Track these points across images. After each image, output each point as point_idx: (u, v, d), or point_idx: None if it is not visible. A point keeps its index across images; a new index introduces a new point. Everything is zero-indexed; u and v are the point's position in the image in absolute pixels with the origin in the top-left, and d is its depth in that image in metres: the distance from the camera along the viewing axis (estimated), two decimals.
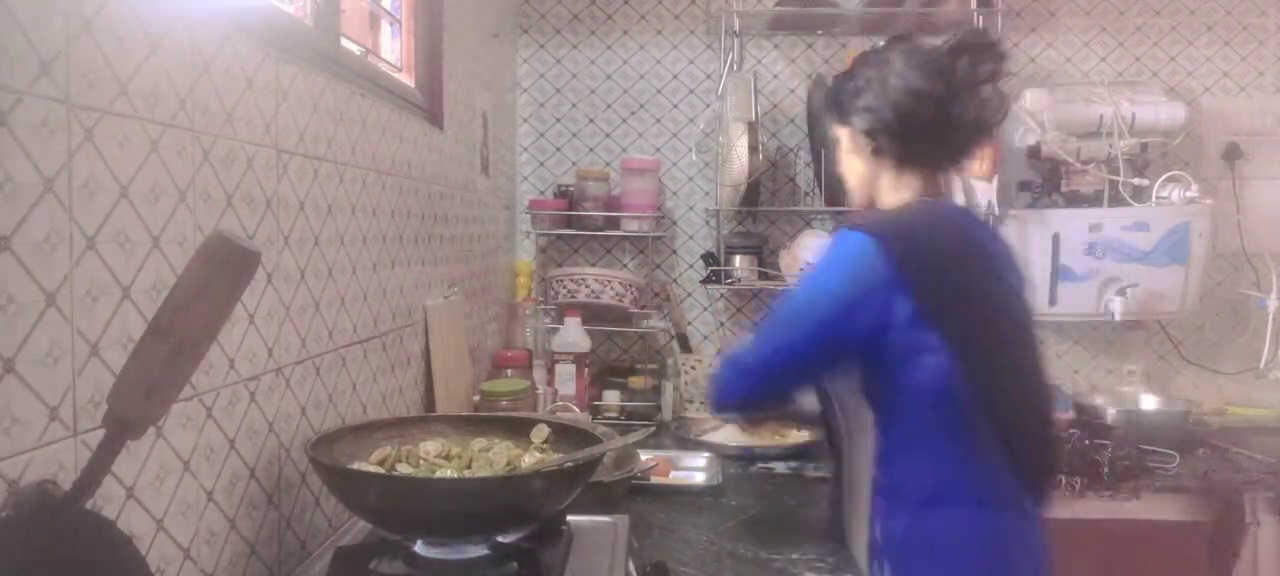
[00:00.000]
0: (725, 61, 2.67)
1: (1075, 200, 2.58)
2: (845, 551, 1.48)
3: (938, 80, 1.38)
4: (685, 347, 2.71)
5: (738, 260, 2.66)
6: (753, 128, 2.51)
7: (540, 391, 2.30)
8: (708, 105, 2.82)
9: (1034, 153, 2.57)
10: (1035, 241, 2.56)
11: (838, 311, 1.30)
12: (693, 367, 2.63)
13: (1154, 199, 2.52)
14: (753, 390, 1.36)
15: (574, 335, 2.38)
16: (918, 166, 1.43)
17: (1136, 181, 2.53)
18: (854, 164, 1.48)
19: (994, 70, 1.40)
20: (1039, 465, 1.36)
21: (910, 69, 1.39)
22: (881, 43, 1.50)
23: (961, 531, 1.29)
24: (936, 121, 1.39)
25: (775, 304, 1.47)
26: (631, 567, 1.20)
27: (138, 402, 0.68)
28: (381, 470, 1.13)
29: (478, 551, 1.09)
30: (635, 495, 1.71)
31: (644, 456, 1.87)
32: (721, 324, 2.87)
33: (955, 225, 1.41)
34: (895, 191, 1.45)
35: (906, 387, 1.29)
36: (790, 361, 1.34)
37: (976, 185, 2.59)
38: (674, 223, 2.86)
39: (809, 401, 1.52)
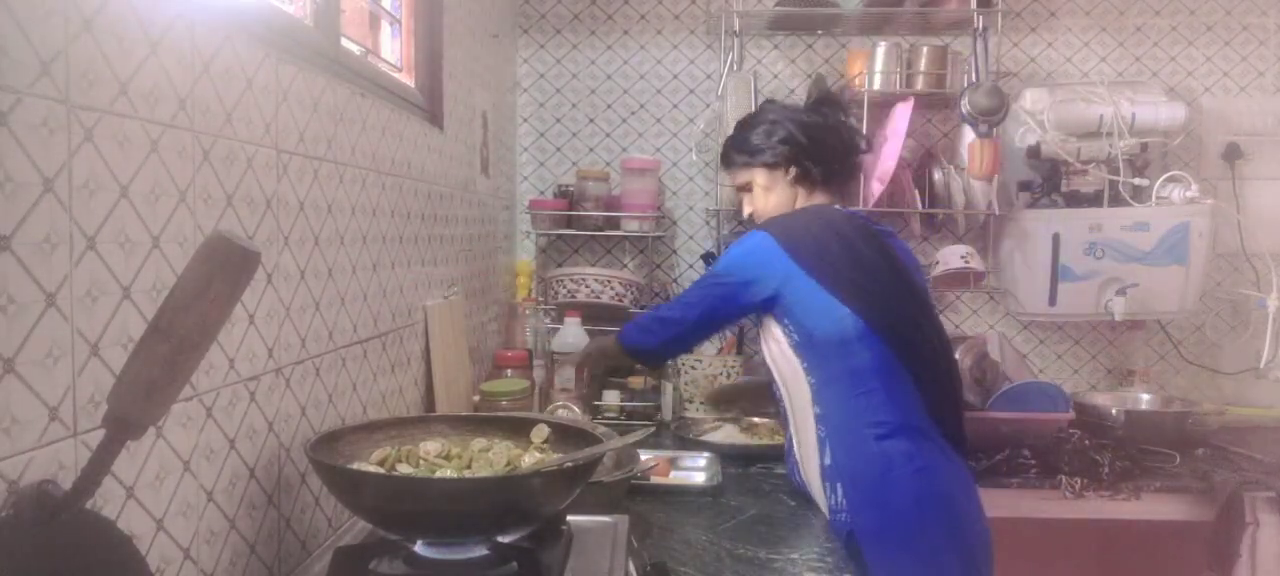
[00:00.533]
0: (725, 61, 2.67)
1: (1075, 200, 2.58)
2: (843, 551, 1.49)
3: (819, 115, 1.84)
4: None
5: None
6: None
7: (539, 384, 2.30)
8: (708, 105, 2.82)
9: (1034, 153, 2.57)
10: (1035, 241, 2.56)
11: (736, 284, 1.70)
12: (693, 368, 2.62)
13: (1154, 199, 2.52)
14: (663, 338, 1.79)
15: (574, 335, 2.38)
16: (824, 187, 1.83)
17: (1136, 181, 2.53)
18: (771, 198, 1.83)
19: (844, 113, 1.90)
20: (948, 399, 1.68)
21: (799, 112, 1.85)
22: (765, 106, 1.94)
23: (893, 450, 1.58)
24: (830, 141, 1.81)
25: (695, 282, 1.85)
26: (631, 567, 1.20)
27: (138, 402, 0.68)
28: (381, 470, 1.12)
29: (478, 551, 1.09)
30: (635, 495, 1.71)
31: (644, 456, 1.87)
32: None
33: (839, 216, 1.75)
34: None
35: (818, 338, 1.62)
36: (699, 318, 1.75)
37: (976, 185, 2.59)
38: (674, 223, 2.86)
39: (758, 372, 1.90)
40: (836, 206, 1.82)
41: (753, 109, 2.54)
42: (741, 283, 1.69)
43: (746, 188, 1.87)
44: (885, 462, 1.57)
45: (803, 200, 1.82)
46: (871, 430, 1.59)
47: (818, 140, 1.80)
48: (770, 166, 1.81)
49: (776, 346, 1.70)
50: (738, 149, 1.87)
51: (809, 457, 1.67)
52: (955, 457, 1.65)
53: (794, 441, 1.73)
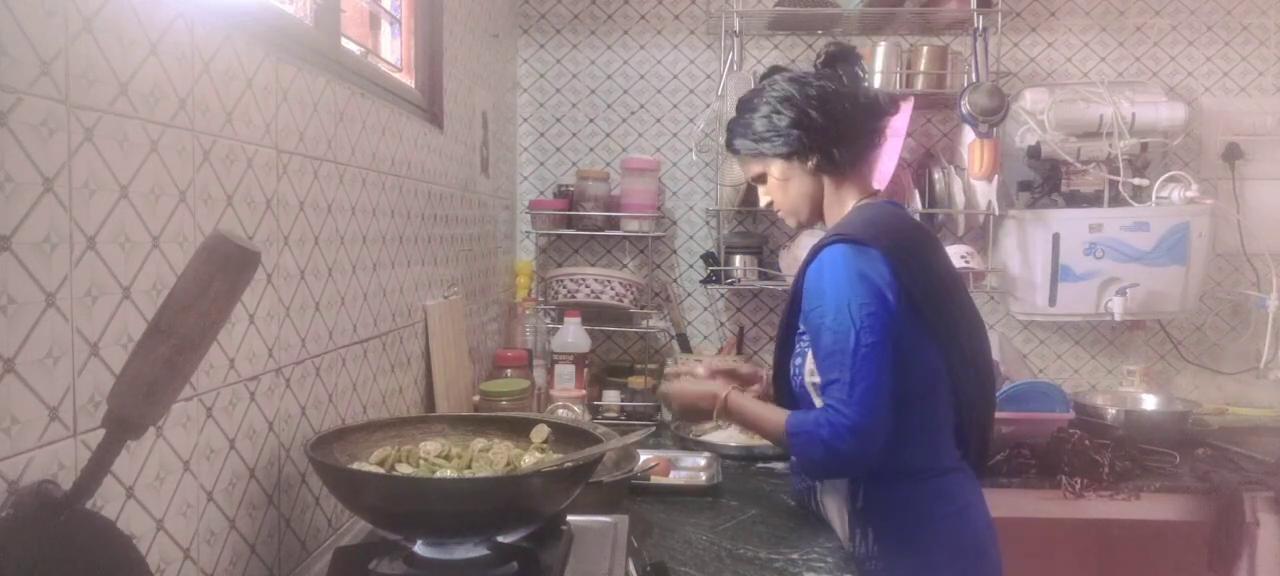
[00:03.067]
0: (725, 61, 2.67)
1: (1075, 200, 2.58)
2: (843, 551, 1.49)
3: (834, 82, 1.54)
4: (685, 347, 2.71)
5: (738, 260, 2.66)
6: None
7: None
8: (708, 105, 2.82)
9: (1034, 153, 2.57)
10: (1035, 241, 2.56)
11: (882, 327, 1.38)
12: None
13: (1154, 199, 2.52)
14: (872, 441, 1.37)
15: (574, 335, 2.38)
16: (851, 169, 1.56)
17: (1136, 181, 2.53)
18: (791, 190, 1.58)
19: (861, 72, 1.57)
20: (980, 439, 1.55)
21: (808, 84, 1.53)
22: (757, 83, 1.62)
23: (932, 492, 1.46)
24: (852, 114, 1.53)
25: (799, 349, 1.50)
26: (631, 567, 1.20)
27: (138, 402, 0.68)
28: (381, 470, 1.12)
29: (478, 551, 1.09)
30: (635, 495, 1.71)
31: (644, 456, 1.87)
32: (721, 323, 2.87)
33: (916, 225, 1.57)
34: (840, 200, 1.58)
35: (902, 382, 1.40)
36: (882, 395, 1.37)
37: (977, 185, 2.59)
38: (674, 223, 2.86)
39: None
40: (891, 204, 1.58)
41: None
42: (884, 320, 1.39)
43: (760, 178, 1.63)
44: (922, 507, 1.45)
45: (831, 189, 1.57)
46: (913, 475, 1.46)
47: (836, 115, 1.51)
48: (784, 157, 1.56)
49: (815, 362, 1.48)
50: (741, 134, 1.60)
51: (834, 494, 1.54)
52: (974, 477, 1.54)
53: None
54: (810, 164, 1.54)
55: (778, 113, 1.53)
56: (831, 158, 1.53)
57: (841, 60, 1.56)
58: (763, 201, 1.66)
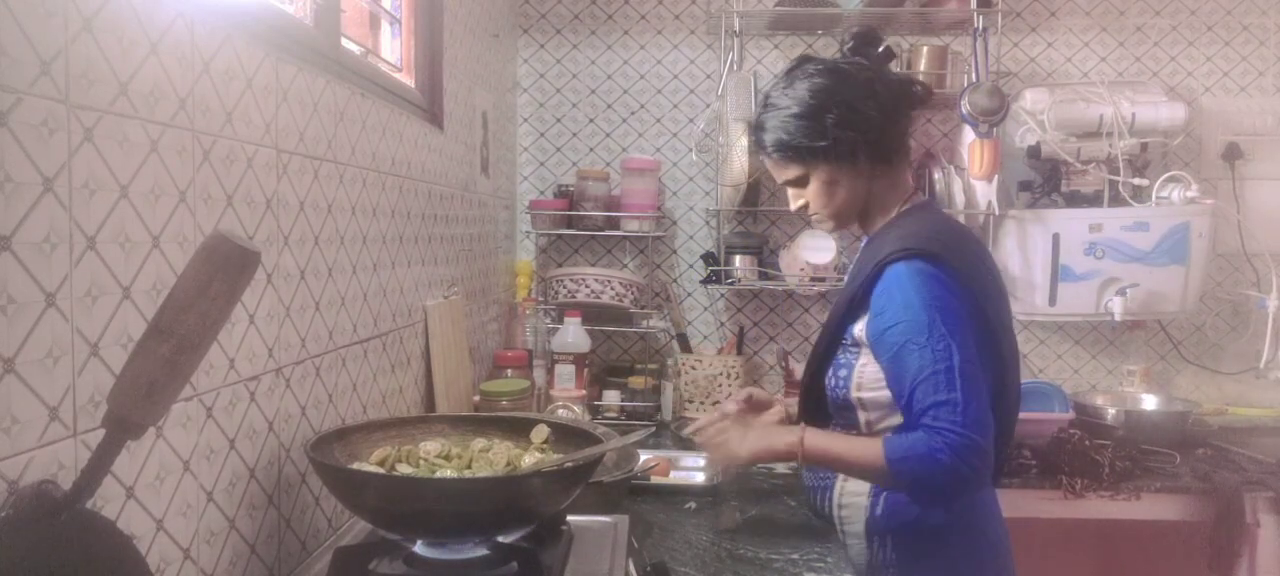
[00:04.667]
0: (725, 61, 2.67)
1: (1075, 200, 2.58)
2: (843, 550, 1.48)
3: (864, 70, 1.43)
4: (685, 347, 2.71)
5: (738, 260, 2.66)
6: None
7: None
8: (708, 105, 2.82)
9: (1034, 153, 2.57)
10: (1035, 241, 2.56)
11: (972, 345, 1.33)
12: (693, 368, 2.63)
13: (1154, 199, 2.52)
14: (990, 459, 1.32)
15: (574, 335, 2.38)
16: (896, 164, 1.48)
17: (1136, 181, 2.53)
18: (839, 192, 1.46)
19: (889, 53, 1.46)
20: (1003, 452, 1.47)
21: (851, 75, 1.42)
22: (784, 77, 1.47)
23: (956, 506, 1.40)
24: (900, 105, 1.44)
25: (899, 371, 1.35)
26: (631, 567, 1.20)
27: (138, 402, 0.68)
28: (381, 470, 1.13)
29: (478, 551, 1.09)
30: (635, 495, 1.71)
31: (644, 456, 1.87)
32: (721, 323, 2.87)
33: (975, 236, 1.46)
34: (884, 201, 1.50)
35: None
36: (988, 413, 1.32)
37: (977, 185, 2.59)
38: (674, 222, 2.86)
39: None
40: (941, 210, 1.46)
41: (753, 109, 2.53)
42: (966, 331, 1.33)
43: (799, 181, 1.48)
44: (940, 520, 1.40)
45: (879, 186, 1.47)
46: None
47: (887, 107, 1.41)
48: (833, 158, 1.42)
49: (870, 376, 1.42)
50: (778, 133, 1.44)
51: (854, 500, 1.47)
52: (993, 488, 1.49)
53: (838, 475, 1.50)
54: (863, 163, 1.43)
55: (822, 108, 1.40)
56: (883, 155, 1.44)
57: (871, 43, 1.48)
58: (794, 205, 1.52)
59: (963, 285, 1.36)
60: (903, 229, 1.44)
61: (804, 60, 1.48)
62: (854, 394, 1.44)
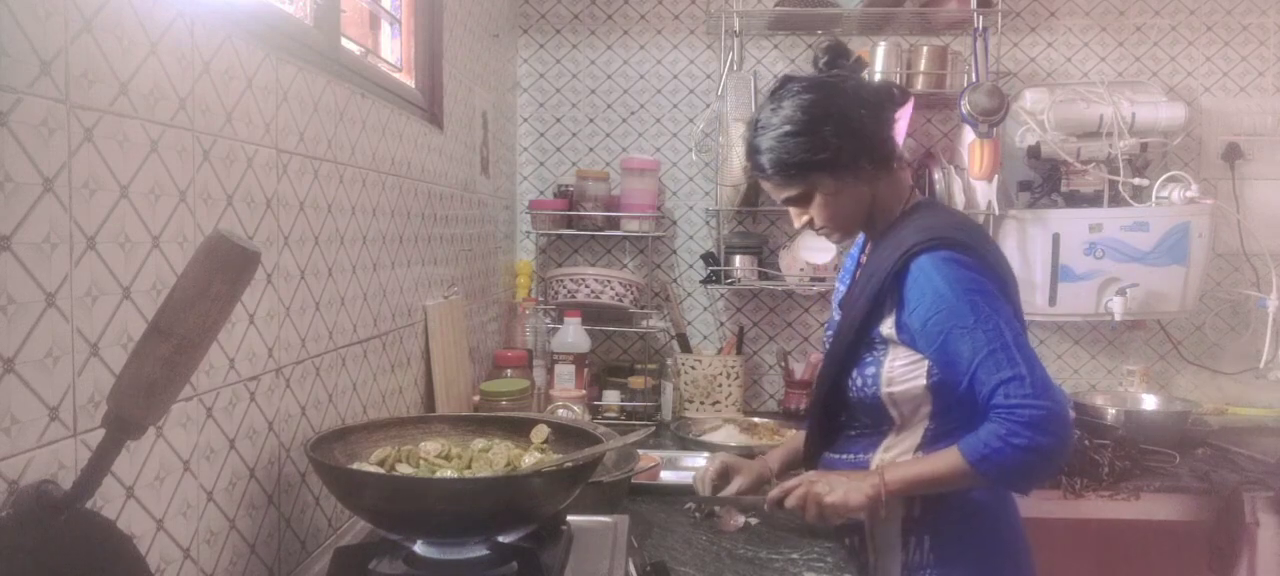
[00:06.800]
0: (725, 61, 2.67)
1: (1075, 200, 2.58)
2: (842, 551, 1.49)
3: (847, 80, 1.47)
4: (685, 347, 2.71)
5: (738, 260, 2.66)
6: None
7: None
8: (708, 105, 2.82)
9: (1034, 153, 2.57)
10: (1035, 241, 2.56)
11: (1009, 313, 1.36)
12: (693, 368, 2.63)
13: (1154, 199, 2.53)
14: (1065, 418, 1.31)
15: (574, 335, 2.38)
16: (893, 166, 1.50)
17: (1136, 181, 2.53)
18: (844, 202, 1.47)
19: (861, 62, 1.53)
20: None
21: (838, 87, 1.45)
22: (770, 99, 1.50)
23: (981, 498, 1.42)
24: (885, 108, 1.48)
25: (955, 352, 1.34)
26: (631, 567, 1.20)
27: (138, 402, 0.68)
28: (381, 470, 1.12)
29: (478, 551, 1.09)
30: (635, 495, 1.71)
31: (644, 456, 1.86)
32: (721, 323, 2.87)
33: (983, 228, 1.49)
34: (887, 202, 1.51)
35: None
36: (1046, 371, 1.33)
37: (976, 185, 2.59)
38: (674, 223, 2.86)
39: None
40: (948, 205, 1.53)
41: (753, 109, 2.53)
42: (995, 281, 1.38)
43: (800, 199, 1.49)
44: (973, 511, 1.42)
45: (883, 188, 1.49)
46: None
47: (877, 112, 1.46)
48: (833, 171, 1.44)
49: (899, 371, 1.42)
50: (776, 154, 1.45)
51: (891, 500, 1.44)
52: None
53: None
54: (865, 169, 1.45)
55: (818, 121, 1.42)
56: (882, 158, 1.46)
57: (843, 54, 1.51)
58: (798, 223, 1.53)
59: (989, 271, 1.38)
60: (918, 223, 1.44)
61: (787, 80, 1.50)
62: (884, 391, 1.43)
